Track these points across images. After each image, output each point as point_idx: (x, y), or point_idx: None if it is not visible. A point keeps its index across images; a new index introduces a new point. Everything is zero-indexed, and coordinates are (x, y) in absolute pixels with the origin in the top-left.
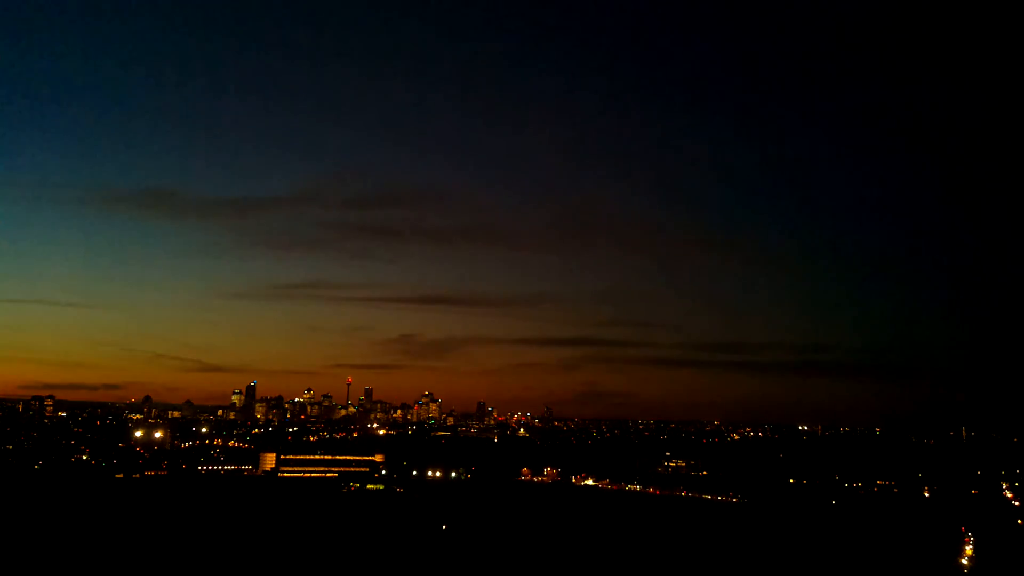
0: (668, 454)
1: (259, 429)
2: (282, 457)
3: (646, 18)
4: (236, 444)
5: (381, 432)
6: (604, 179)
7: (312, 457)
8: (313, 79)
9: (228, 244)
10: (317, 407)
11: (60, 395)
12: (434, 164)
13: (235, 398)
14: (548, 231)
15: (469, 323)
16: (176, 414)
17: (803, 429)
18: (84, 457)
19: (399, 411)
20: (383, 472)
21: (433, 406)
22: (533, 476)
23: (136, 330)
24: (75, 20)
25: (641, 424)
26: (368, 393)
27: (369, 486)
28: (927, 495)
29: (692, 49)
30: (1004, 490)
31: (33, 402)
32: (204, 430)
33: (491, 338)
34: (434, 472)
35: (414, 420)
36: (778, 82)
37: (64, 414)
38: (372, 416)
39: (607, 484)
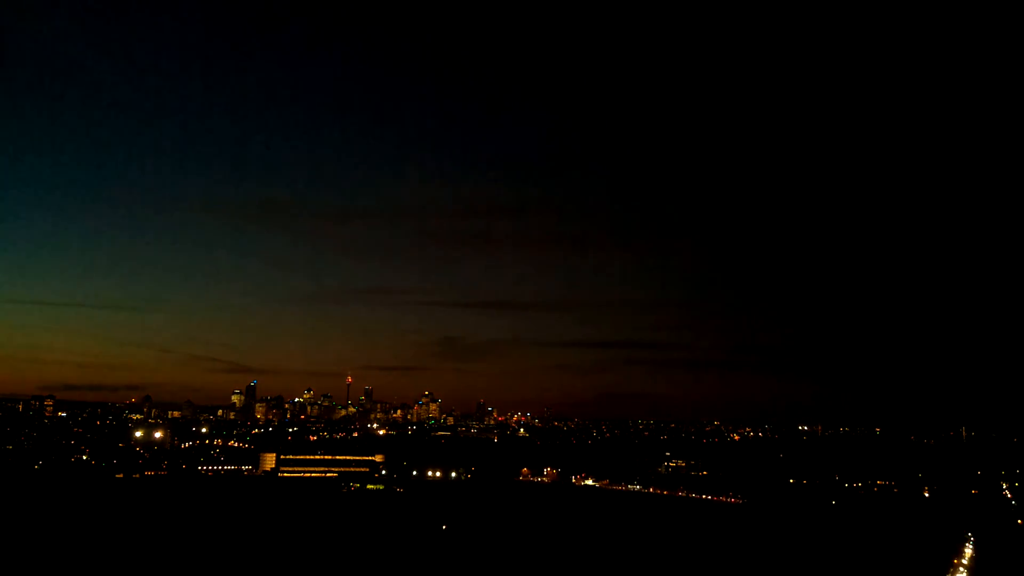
0: (668, 454)
1: (259, 429)
2: (282, 457)
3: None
4: (236, 444)
5: (381, 432)
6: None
7: (312, 457)
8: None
9: (315, 251)
10: (317, 407)
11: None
12: (540, 175)
13: (235, 398)
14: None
15: (516, 326)
16: (176, 414)
17: (803, 429)
18: (84, 457)
19: (399, 411)
20: (383, 472)
21: (433, 406)
22: (533, 476)
23: (182, 333)
24: (187, 38)
25: (641, 424)
26: (368, 393)
27: (369, 486)
28: (927, 495)
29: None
30: (1004, 490)
31: (33, 402)
32: (204, 430)
33: (531, 341)
34: (434, 472)
35: (414, 420)
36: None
37: (64, 414)
38: (372, 416)
39: (607, 484)
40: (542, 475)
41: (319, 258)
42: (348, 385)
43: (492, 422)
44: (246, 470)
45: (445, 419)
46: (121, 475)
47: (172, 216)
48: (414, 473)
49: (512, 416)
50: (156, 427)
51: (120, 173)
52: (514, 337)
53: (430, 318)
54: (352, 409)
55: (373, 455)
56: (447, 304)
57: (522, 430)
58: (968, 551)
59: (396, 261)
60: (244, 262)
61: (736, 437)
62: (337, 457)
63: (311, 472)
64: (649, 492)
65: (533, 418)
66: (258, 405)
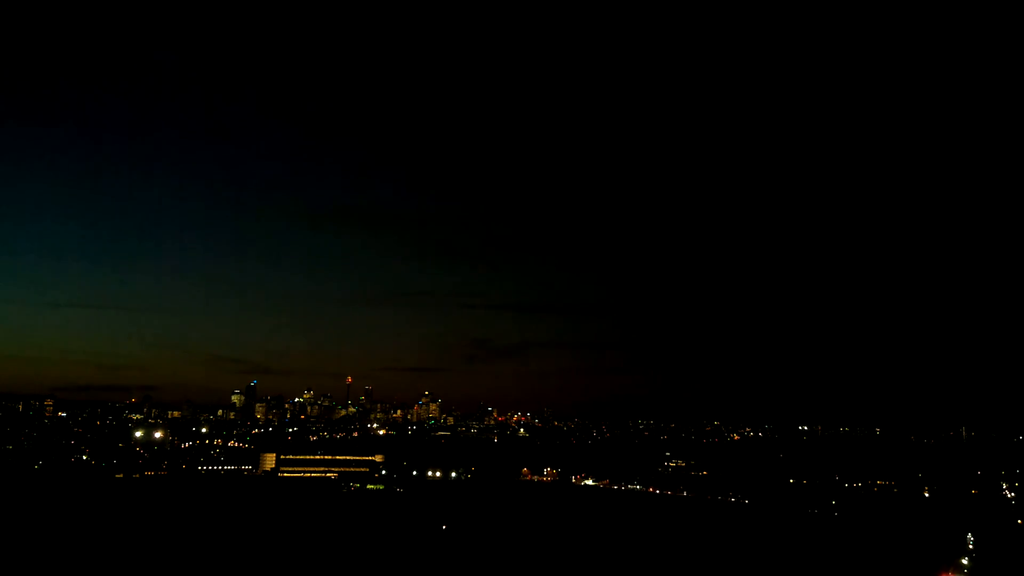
0: (668, 454)
1: (259, 429)
2: (282, 457)
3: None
4: (236, 444)
5: (381, 432)
6: None
7: (312, 457)
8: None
9: (367, 255)
10: (317, 407)
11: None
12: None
13: (235, 398)
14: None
15: (545, 328)
16: (176, 414)
17: (803, 429)
18: (84, 457)
19: (399, 411)
20: (383, 472)
21: (433, 406)
22: (533, 476)
23: (204, 334)
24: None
25: (641, 424)
26: (368, 393)
27: (369, 486)
28: (927, 495)
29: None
30: (1004, 490)
31: (33, 402)
32: (204, 430)
33: (554, 343)
34: (434, 472)
35: (414, 420)
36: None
37: (64, 414)
38: (372, 416)
39: (607, 484)
40: (542, 475)
41: (337, 262)
42: (348, 385)
43: (492, 422)
44: (246, 470)
45: (445, 419)
46: (121, 475)
47: (178, 217)
48: (414, 473)
49: (512, 416)
50: (156, 427)
51: (123, 173)
52: (539, 339)
53: (464, 320)
54: (352, 409)
55: (373, 455)
56: (481, 306)
57: (522, 430)
58: (968, 551)
59: (430, 266)
60: (254, 264)
61: (736, 437)
62: (337, 457)
63: (311, 472)
64: (649, 492)
65: (533, 418)
66: (258, 405)
